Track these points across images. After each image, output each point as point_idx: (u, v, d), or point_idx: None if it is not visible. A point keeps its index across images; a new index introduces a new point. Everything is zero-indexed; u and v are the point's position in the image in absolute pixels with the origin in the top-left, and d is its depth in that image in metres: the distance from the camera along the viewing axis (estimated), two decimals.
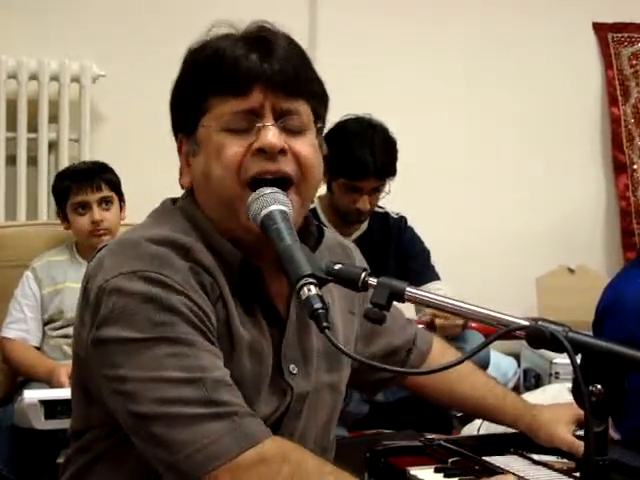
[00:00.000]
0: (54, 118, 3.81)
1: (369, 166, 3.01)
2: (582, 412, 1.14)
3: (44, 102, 3.77)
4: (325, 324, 1.20)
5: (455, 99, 4.27)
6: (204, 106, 1.40)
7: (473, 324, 3.15)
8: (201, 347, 1.32)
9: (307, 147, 1.41)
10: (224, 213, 1.41)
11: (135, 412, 1.30)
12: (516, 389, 3.84)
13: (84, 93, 3.81)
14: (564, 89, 4.42)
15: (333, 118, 2.99)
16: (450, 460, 1.67)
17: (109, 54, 3.83)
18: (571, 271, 4.35)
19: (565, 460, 1.70)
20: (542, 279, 4.25)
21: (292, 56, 1.41)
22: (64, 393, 2.56)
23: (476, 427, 2.23)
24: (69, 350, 2.82)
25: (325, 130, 1.52)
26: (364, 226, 3.25)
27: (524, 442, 1.76)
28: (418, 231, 3.34)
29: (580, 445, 1.63)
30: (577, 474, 1.62)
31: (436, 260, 3.34)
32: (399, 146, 3.13)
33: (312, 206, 3.14)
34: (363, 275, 1.28)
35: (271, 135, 1.37)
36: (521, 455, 1.75)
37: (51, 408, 2.59)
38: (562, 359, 3.51)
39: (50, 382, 2.83)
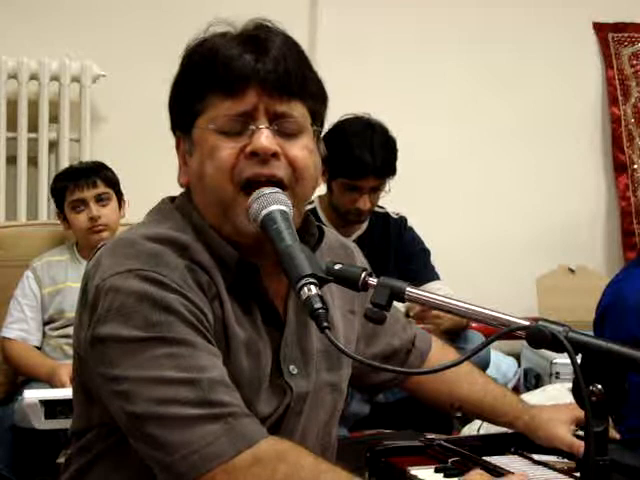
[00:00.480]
0: (54, 118, 3.81)
1: (368, 165, 3.01)
2: (581, 412, 1.14)
3: (44, 102, 3.77)
4: (325, 324, 1.20)
5: (455, 99, 4.27)
6: (199, 106, 1.40)
7: (474, 324, 3.15)
8: (198, 347, 1.31)
9: (301, 150, 1.40)
10: (218, 213, 1.41)
11: (131, 412, 1.30)
12: (516, 389, 3.84)
13: (84, 93, 3.81)
14: (564, 89, 4.42)
15: (333, 118, 3.02)
16: (450, 460, 1.67)
17: (109, 54, 3.83)
18: (571, 271, 4.35)
19: (565, 460, 1.70)
20: (542, 279, 4.25)
21: (288, 55, 1.39)
22: (64, 393, 2.56)
23: (476, 427, 2.23)
24: (69, 350, 2.83)
25: (324, 130, 1.52)
26: (364, 226, 3.24)
27: (524, 442, 1.76)
28: (418, 231, 3.34)
29: (580, 445, 1.63)
30: (577, 474, 1.62)
31: (436, 260, 3.34)
32: (399, 146, 3.13)
33: (312, 206, 3.14)
34: (363, 275, 1.29)
35: (264, 138, 1.36)
36: (521, 455, 1.75)
37: (51, 408, 2.60)
38: (562, 359, 3.51)
39: (51, 382, 2.83)
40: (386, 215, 3.31)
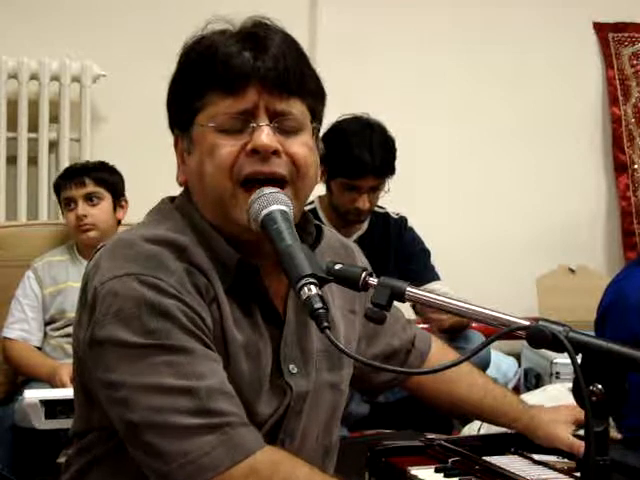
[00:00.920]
0: (55, 118, 3.81)
1: (367, 165, 3.01)
2: (581, 413, 1.14)
3: (45, 102, 3.77)
4: (325, 324, 1.20)
5: (455, 99, 4.27)
6: (198, 104, 1.40)
7: (474, 324, 3.15)
8: (196, 353, 1.31)
9: (302, 147, 1.40)
10: (217, 211, 1.40)
11: (128, 420, 1.30)
12: (517, 389, 3.84)
13: (84, 93, 3.81)
14: (564, 89, 4.42)
15: (333, 118, 3.02)
16: (450, 460, 1.67)
17: (109, 54, 3.83)
18: (571, 271, 4.35)
19: (565, 460, 1.70)
20: (542, 279, 4.25)
21: (287, 53, 1.39)
22: (65, 393, 2.56)
23: (476, 427, 2.23)
24: (70, 349, 2.82)
25: (323, 129, 1.51)
26: (364, 226, 3.24)
27: (524, 442, 1.76)
28: (418, 231, 3.34)
29: (580, 445, 1.63)
30: (577, 474, 1.62)
31: (436, 260, 3.34)
32: (399, 146, 3.13)
33: (312, 206, 3.15)
34: (363, 275, 1.28)
35: (265, 136, 1.36)
36: (521, 455, 1.75)
37: (51, 408, 2.60)
38: (563, 359, 3.51)
39: (51, 382, 2.83)
40: (386, 215, 3.31)
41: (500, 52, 4.30)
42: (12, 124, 3.76)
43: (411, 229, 3.33)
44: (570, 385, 1.16)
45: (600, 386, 1.13)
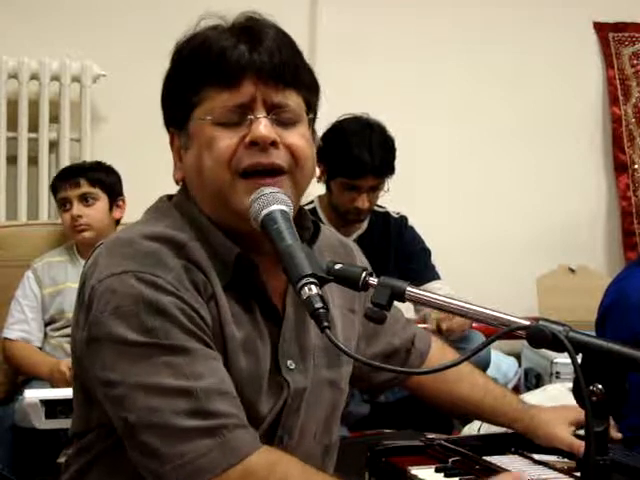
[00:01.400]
0: (55, 118, 3.81)
1: (367, 165, 3.01)
2: (581, 414, 1.14)
3: (45, 102, 3.77)
4: (325, 324, 1.20)
5: (455, 99, 4.27)
6: (195, 99, 1.40)
7: (474, 324, 3.15)
8: (195, 353, 1.31)
9: (299, 138, 1.40)
10: (216, 203, 1.40)
11: (125, 419, 1.30)
12: (517, 389, 3.84)
13: (85, 93, 3.81)
14: (565, 89, 4.41)
15: (333, 118, 3.02)
16: (450, 460, 1.67)
17: (109, 54, 3.83)
18: (572, 271, 4.34)
19: (565, 460, 1.70)
20: (542, 279, 4.25)
21: (281, 46, 1.40)
22: (65, 393, 2.56)
23: (476, 427, 2.23)
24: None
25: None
26: (364, 226, 3.25)
27: (524, 442, 1.76)
28: (418, 231, 3.34)
29: (580, 445, 1.63)
30: (577, 474, 1.62)
31: (436, 260, 3.34)
32: (399, 146, 3.13)
33: (312, 206, 3.15)
34: (364, 275, 1.28)
35: (263, 127, 1.36)
36: (521, 455, 1.75)
37: (52, 408, 2.60)
38: (563, 359, 3.51)
39: (52, 378, 2.83)
40: (386, 214, 3.31)
41: (500, 52, 4.30)
42: (12, 124, 3.76)
43: (411, 228, 3.33)
44: (570, 385, 1.16)
45: (600, 386, 1.13)
